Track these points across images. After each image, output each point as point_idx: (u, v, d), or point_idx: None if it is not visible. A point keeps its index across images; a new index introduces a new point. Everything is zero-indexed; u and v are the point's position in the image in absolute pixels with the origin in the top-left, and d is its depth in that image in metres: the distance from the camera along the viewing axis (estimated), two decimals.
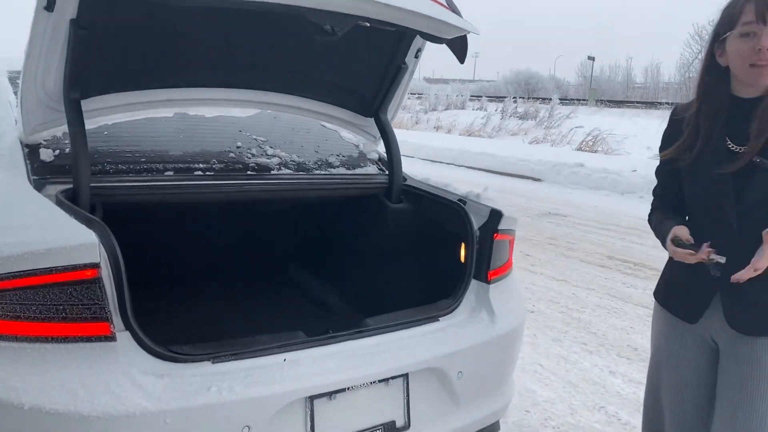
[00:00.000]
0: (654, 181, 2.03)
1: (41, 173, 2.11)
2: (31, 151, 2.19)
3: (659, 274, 2.02)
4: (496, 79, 61.06)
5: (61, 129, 2.23)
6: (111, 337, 1.58)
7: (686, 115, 1.83)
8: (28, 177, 2.05)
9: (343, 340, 1.93)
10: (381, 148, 2.97)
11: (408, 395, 2.00)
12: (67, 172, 2.07)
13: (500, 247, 2.36)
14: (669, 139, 1.89)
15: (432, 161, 14.89)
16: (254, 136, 2.76)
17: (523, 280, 5.43)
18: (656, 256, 5.79)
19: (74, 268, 1.53)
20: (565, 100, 32.66)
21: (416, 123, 24.77)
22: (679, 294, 1.86)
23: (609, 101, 34.65)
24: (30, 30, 1.91)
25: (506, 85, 49.17)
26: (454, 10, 2.21)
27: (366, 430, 1.92)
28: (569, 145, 17.49)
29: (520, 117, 23.83)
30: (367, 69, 2.71)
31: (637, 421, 2.94)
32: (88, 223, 1.63)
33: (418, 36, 2.37)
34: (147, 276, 2.62)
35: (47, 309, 1.52)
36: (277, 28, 2.32)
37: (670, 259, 1.90)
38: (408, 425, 2.00)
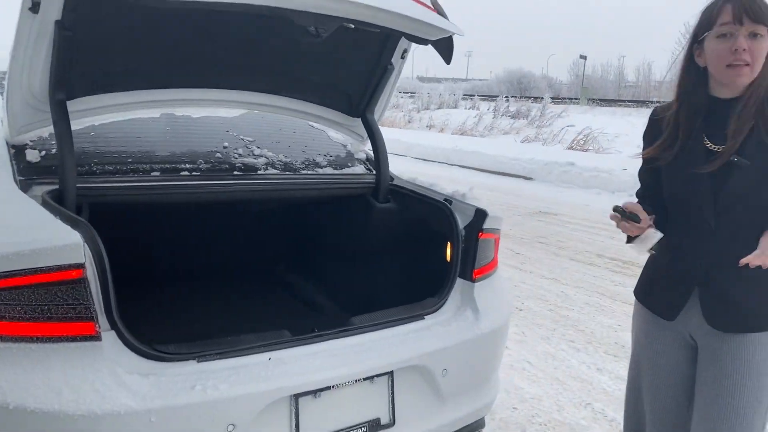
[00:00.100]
0: None
1: (27, 174, 2.12)
2: (18, 151, 2.20)
3: None
4: (489, 78, 61.21)
5: (48, 130, 2.24)
6: (96, 337, 1.59)
7: (666, 115, 1.86)
8: (14, 178, 2.06)
9: (328, 339, 1.95)
10: (369, 147, 2.99)
11: (393, 393, 2.02)
12: (54, 173, 2.08)
13: (485, 246, 2.38)
14: (649, 138, 1.91)
15: (424, 160, 14.91)
16: (241, 137, 2.77)
17: (513, 278, 5.46)
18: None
19: (59, 268, 1.54)
20: (557, 99, 32.80)
21: (409, 122, 24.78)
22: (658, 292, 1.88)
23: (601, 100, 34.84)
24: (15, 31, 1.92)
25: (499, 84, 49.31)
26: (440, 11, 2.23)
27: (351, 427, 1.94)
28: (560, 144, 17.54)
29: (512, 116, 23.87)
30: (353, 70, 2.73)
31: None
32: (74, 224, 1.64)
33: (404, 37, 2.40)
34: (134, 276, 2.63)
35: (32, 309, 1.53)
36: (263, 29, 2.34)
37: (650, 257, 1.93)
38: (393, 422, 2.02)
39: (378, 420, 2.00)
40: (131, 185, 2.27)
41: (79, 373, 1.54)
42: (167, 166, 2.41)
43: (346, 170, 2.88)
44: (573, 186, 11.14)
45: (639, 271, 2.01)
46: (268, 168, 2.64)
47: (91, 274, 1.60)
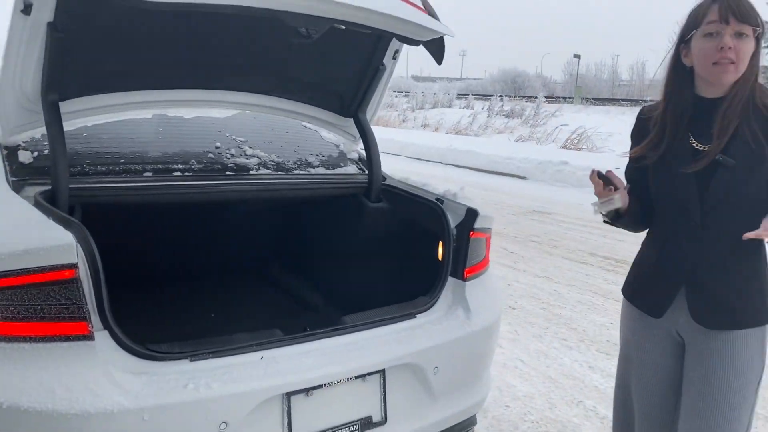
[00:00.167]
0: None
1: (20, 175, 2.13)
2: (10, 152, 2.21)
3: None
4: (483, 78, 61.25)
5: (40, 131, 2.25)
6: (89, 336, 1.60)
7: (653, 115, 1.88)
8: (7, 178, 2.07)
9: (320, 338, 1.97)
10: (361, 147, 3.00)
11: (385, 391, 2.04)
12: (46, 174, 2.09)
13: (476, 245, 2.40)
14: (636, 138, 1.94)
15: (419, 159, 14.94)
16: (233, 137, 2.78)
17: (506, 277, 5.49)
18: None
19: (52, 268, 1.55)
20: (551, 98, 32.86)
21: (403, 121, 24.80)
22: (645, 290, 1.91)
23: (594, 99, 34.91)
24: (7, 33, 1.93)
25: (493, 83, 49.36)
26: (431, 12, 2.25)
27: (343, 425, 1.96)
28: (554, 143, 17.58)
29: (506, 115, 23.93)
30: (345, 70, 2.74)
31: None
32: (66, 224, 1.65)
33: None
34: (128, 276, 2.64)
35: (26, 309, 1.54)
36: (255, 31, 2.35)
37: (638, 256, 1.96)
38: (385, 420, 2.04)
39: (370, 418, 2.01)
40: (124, 186, 2.28)
41: (73, 372, 1.55)
42: (159, 166, 2.42)
43: (338, 170, 2.89)
44: (566, 185, 11.18)
45: None
46: (261, 168, 2.66)
47: (83, 274, 1.61)
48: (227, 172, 2.55)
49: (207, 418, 1.67)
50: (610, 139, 17.35)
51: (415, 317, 2.21)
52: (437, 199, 2.50)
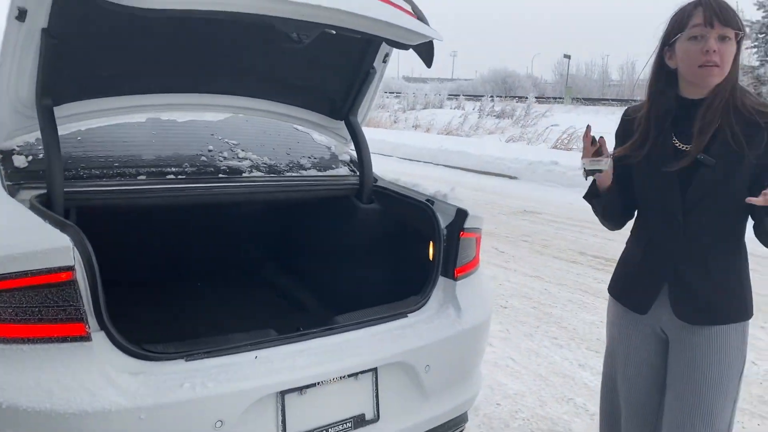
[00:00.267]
0: None
1: (15, 179, 2.15)
2: (5, 157, 2.23)
3: None
4: (474, 78, 61.41)
5: (34, 135, 2.27)
6: (86, 337, 1.63)
7: (637, 115, 1.93)
8: (2, 182, 2.09)
9: (313, 337, 2.00)
10: (352, 149, 3.04)
11: (377, 389, 2.07)
12: (41, 178, 2.11)
13: (466, 245, 2.44)
14: (621, 138, 1.99)
15: (410, 160, 14.97)
16: (226, 140, 2.81)
17: (497, 276, 5.54)
18: None
19: (49, 271, 1.57)
20: (541, 99, 32.99)
21: (395, 122, 24.82)
22: (629, 287, 1.96)
23: (585, 99, 35.08)
24: (2, 39, 1.96)
25: (484, 83, 49.43)
26: (420, 16, 2.29)
27: (336, 423, 1.99)
28: (545, 144, 17.65)
29: (497, 116, 24.02)
30: (336, 73, 2.78)
31: None
32: (62, 228, 1.68)
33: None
34: (123, 278, 2.66)
35: (23, 311, 1.57)
36: (247, 35, 2.38)
37: (623, 254, 2.00)
38: (377, 418, 2.07)
39: (363, 415, 2.05)
40: (118, 189, 2.31)
41: (70, 373, 1.58)
42: (153, 169, 2.45)
43: (330, 172, 2.93)
44: (557, 185, 11.23)
45: None
46: (253, 170, 2.69)
47: (80, 276, 1.64)
48: (220, 175, 2.58)
49: (203, 417, 1.70)
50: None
51: (407, 316, 2.24)
52: (428, 200, 2.53)
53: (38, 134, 2.17)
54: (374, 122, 22.37)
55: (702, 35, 1.69)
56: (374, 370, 2.06)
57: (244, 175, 2.64)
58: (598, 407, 3.26)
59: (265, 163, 2.76)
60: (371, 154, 2.93)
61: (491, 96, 28.81)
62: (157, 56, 2.38)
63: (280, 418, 1.86)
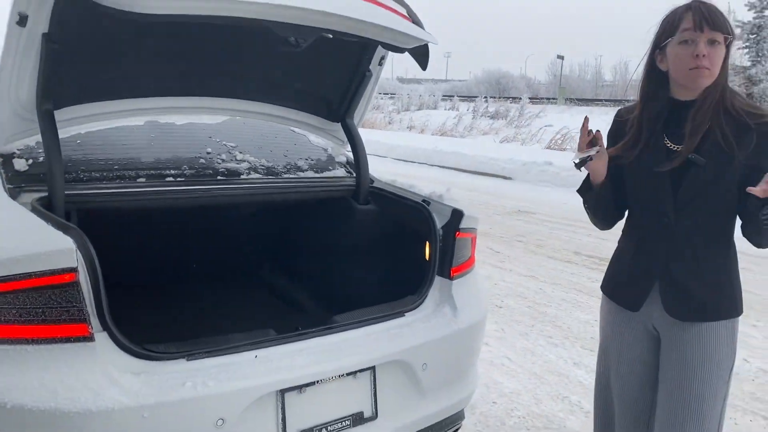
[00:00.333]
0: None
1: (16, 182, 2.17)
2: (5, 160, 2.26)
3: None
4: (468, 79, 61.52)
5: (34, 138, 2.29)
6: (89, 338, 1.65)
7: (630, 117, 1.97)
8: (3, 186, 2.11)
9: (312, 337, 2.03)
10: (349, 150, 3.07)
11: (375, 387, 2.10)
12: (42, 181, 2.13)
13: (462, 245, 2.47)
14: (613, 138, 2.03)
15: (405, 161, 15.01)
16: (224, 142, 2.84)
17: (492, 276, 5.57)
18: None
19: (52, 272, 1.60)
20: (535, 99, 33.09)
21: (389, 123, 24.89)
22: (622, 285, 1.99)
23: (578, 99, 35.20)
24: (3, 44, 1.98)
25: (478, 84, 49.62)
26: (415, 20, 2.32)
27: (335, 421, 2.02)
28: (539, 144, 17.74)
29: (491, 116, 24.14)
30: (333, 76, 2.81)
31: None
32: (65, 230, 1.71)
33: None
34: (124, 279, 2.69)
35: (28, 312, 1.59)
36: (245, 39, 2.41)
37: (615, 252, 2.04)
38: (375, 415, 2.10)
39: (361, 413, 2.08)
40: (118, 191, 2.33)
41: (74, 373, 1.60)
42: (152, 172, 2.47)
43: (327, 173, 2.96)
44: (551, 185, 11.28)
45: None
46: (251, 172, 2.72)
47: (83, 277, 1.66)
48: (218, 177, 2.61)
49: (204, 415, 1.72)
50: None
51: (404, 316, 2.27)
52: (424, 201, 2.56)
53: (38, 138, 2.20)
54: (369, 123, 22.41)
55: (692, 39, 1.73)
56: (372, 368, 2.09)
57: (242, 177, 2.67)
58: (592, 405, 3.31)
59: (263, 165, 2.79)
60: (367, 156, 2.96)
61: (485, 97, 28.92)
62: (156, 60, 2.41)
63: (280, 416, 1.89)
